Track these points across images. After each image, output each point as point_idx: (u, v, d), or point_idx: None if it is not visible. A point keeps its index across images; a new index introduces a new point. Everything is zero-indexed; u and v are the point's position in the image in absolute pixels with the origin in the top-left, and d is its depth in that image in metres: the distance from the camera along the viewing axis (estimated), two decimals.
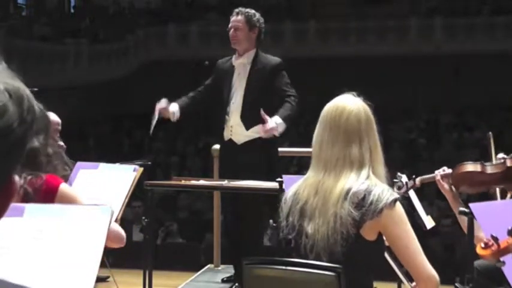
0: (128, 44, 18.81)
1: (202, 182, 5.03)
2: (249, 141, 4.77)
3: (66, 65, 18.35)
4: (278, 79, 4.75)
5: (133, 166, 3.65)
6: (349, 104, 2.52)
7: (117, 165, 3.67)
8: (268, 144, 4.74)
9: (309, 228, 2.45)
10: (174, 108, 4.84)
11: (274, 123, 4.52)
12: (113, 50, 18.83)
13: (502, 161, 3.49)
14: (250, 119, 4.71)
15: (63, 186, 2.53)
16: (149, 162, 4.18)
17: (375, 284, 2.58)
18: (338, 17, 18.53)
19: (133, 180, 3.55)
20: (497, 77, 16.93)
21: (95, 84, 17.79)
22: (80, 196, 2.61)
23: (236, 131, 4.82)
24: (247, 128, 4.77)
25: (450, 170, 3.56)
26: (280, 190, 3.82)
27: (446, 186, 3.52)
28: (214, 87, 4.94)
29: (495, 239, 2.40)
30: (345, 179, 2.43)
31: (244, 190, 4.78)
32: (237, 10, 4.89)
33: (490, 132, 3.82)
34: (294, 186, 2.58)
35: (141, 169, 3.67)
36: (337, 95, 2.59)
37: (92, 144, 16.83)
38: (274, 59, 4.85)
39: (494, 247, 2.40)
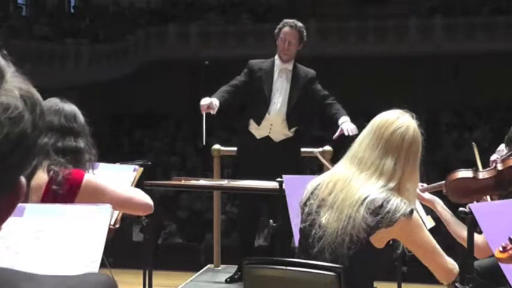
0: (128, 44, 18.78)
1: (202, 182, 5.05)
2: (286, 139, 5.07)
3: (66, 65, 18.33)
4: (315, 86, 5.05)
5: (133, 166, 3.64)
6: (401, 120, 2.52)
7: (117, 165, 3.65)
8: (299, 143, 5.13)
9: (323, 218, 2.46)
10: (216, 102, 4.88)
11: (348, 122, 4.75)
12: (112, 50, 18.80)
13: (493, 165, 3.40)
14: (292, 120, 5.06)
15: (88, 177, 2.63)
16: (149, 162, 4.18)
17: (375, 284, 2.58)
18: (338, 17, 18.52)
19: (133, 180, 3.55)
20: (497, 77, 16.92)
21: (95, 84, 17.78)
22: (107, 183, 2.67)
23: (276, 129, 5.06)
24: (290, 127, 5.08)
25: (425, 185, 3.45)
26: (280, 190, 3.83)
27: (426, 196, 3.36)
28: (250, 84, 5.09)
29: None
30: (369, 187, 2.44)
31: (244, 190, 4.80)
32: (290, 23, 5.06)
33: (474, 143, 3.78)
34: (320, 177, 2.60)
35: (141, 169, 3.66)
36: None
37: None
38: (311, 71, 5.15)
39: None
